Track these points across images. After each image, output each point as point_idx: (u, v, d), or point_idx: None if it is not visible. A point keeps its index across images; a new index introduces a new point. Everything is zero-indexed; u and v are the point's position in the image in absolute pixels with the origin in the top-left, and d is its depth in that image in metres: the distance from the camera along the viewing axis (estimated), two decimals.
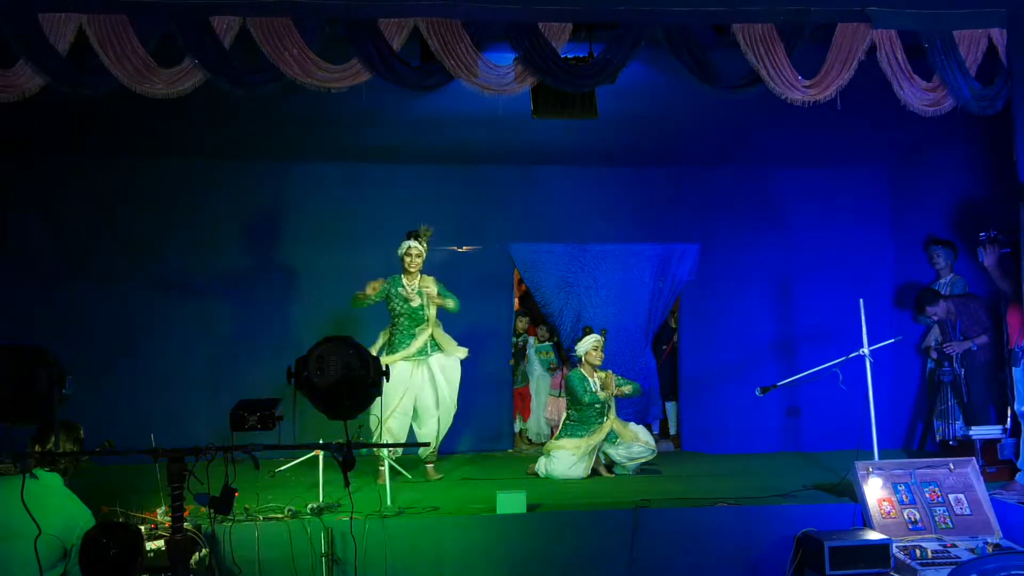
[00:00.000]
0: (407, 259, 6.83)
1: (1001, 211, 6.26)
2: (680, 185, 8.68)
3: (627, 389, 7.20)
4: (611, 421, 7.06)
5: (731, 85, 5.57)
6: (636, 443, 7.08)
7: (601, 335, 7.26)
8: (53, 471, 4.02)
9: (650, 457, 7.15)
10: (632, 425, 7.25)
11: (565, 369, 8.67)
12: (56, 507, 3.78)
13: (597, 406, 7.01)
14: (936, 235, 7.69)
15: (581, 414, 7.05)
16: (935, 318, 7.12)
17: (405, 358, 6.74)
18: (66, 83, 5.18)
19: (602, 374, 7.16)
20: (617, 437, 7.06)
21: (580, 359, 7.19)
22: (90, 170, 8.10)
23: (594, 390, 7.03)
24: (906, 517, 5.65)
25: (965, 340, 6.99)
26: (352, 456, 3.41)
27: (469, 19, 5.36)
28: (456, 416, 7.55)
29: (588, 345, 7.13)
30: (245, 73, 5.29)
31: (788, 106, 5.60)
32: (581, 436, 6.99)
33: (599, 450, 7.08)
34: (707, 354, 8.62)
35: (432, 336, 6.85)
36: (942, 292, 7.24)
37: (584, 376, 7.09)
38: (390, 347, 6.81)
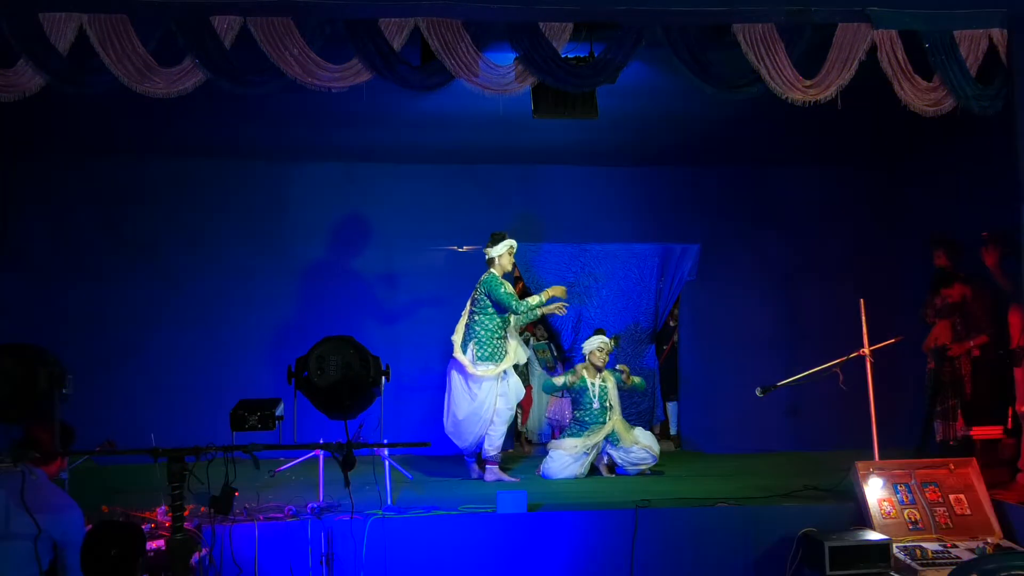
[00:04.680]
0: (511, 259, 6.85)
1: (1001, 211, 6.25)
2: (680, 185, 8.68)
3: (636, 380, 7.25)
4: (613, 422, 7.05)
5: (731, 85, 5.57)
6: (637, 446, 7.06)
7: (613, 341, 7.26)
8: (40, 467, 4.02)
9: (652, 463, 7.13)
10: (637, 430, 7.22)
11: (562, 368, 8.67)
12: (45, 501, 3.79)
13: (596, 406, 7.01)
14: (936, 235, 7.68)
15: (580, 415, 7.05)
16: (949, 300, 7.06)
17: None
18: (67, 83, 5.18)
19: (607, 375, 7.16)
20: (619, 440, 7.06)
21: (585, 356, 7.19)
22: (90, 170, 8.10)
23: (598, 396, 7.03)
24: (906, 517, 5.65)
25: (966, 342, 6.99)
26: (352, 456, 3.41)
27: (469, 19, 5.36)
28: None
29: (594, 345, 7.12)
30: (246, 73, 5.29)
31: (788, 106, 5.60)
32: (576, 437, 6.99)
33: (601, 451, 7.08)
34: (707, 354, 8.62)
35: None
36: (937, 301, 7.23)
37: (573, 372, 7.12)
38: (497, 354, 6.69)
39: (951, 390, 7.00)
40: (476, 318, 6.73)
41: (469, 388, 6.69)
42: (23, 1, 5.06)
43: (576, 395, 7.11)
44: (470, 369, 6.64)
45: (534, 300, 6.80)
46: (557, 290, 6.88)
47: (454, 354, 6.75)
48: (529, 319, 7.04)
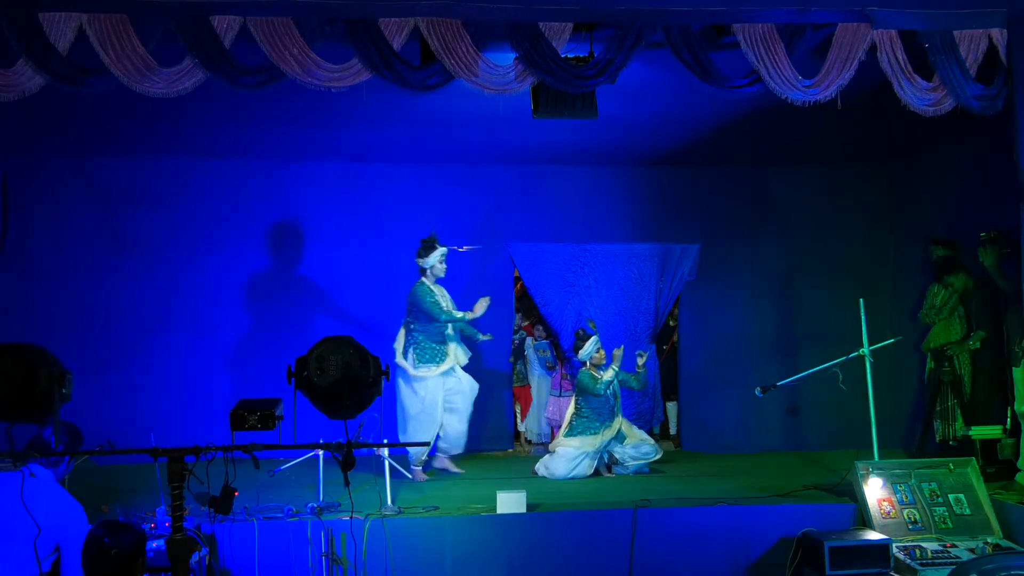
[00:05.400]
0: (444, 266, 6.88)
1: (1001, 211, 6.26)
2: (680, 185, 8.68)
3: (636, 378, 7.20)
4: (619, 420, 7.08)
5: (731, 85, 5.57)
6: (642, 442, 7.15)
7: (591, 327, 7.27)
8: (46, 467, 4.04)
9: (657, 456, 7.19)
10: (634, 427, 7.28)
11: (561, 367, 8.66)
12: (48, 502, 3.80)
13: (609, 402, 7.01)
14: (936, 235, 7.68)
15: (591, 413, 7.02)
16: (953, 288, 7.04)
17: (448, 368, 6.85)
18: (66, 83, 5.17)
19: (608, 371, 7.16)
20: (625, 437, 7.10)
21: (585, 363, 7.16)
22: (90, 170, 8.09)
23: (614, 374, 7.04)
24: (906, 517, 5.66)
25: (965, 339, 7.00)
26: (352, 456, 3.40)
27: (469, 19, 5.35)
28: None
29: (591, 349, 7.11)
30: (245, 72, 5.29)
31: (788, 106, 5.60)
32: (592, 434, 6.98)
33: (605, 449, 7.09)
34: (707, 354, 8.62)
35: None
36: (938, 301, 7.23)
37: (593, 376, 7.08)
38: (437, 357, 6.79)
39: (951, 390, 7.01)
40: (412, 326, 6.83)
41: (415, 390, 6.79)
42: (23, 1, 5.06)
43: (587, 389, 7.05)
44: (411, 372, 6.75)
45: (459, 315, 6.82)
46: (482, 306, 6.88)
47: (396, 360, 6.84)
48: (458, 327, 7.02)
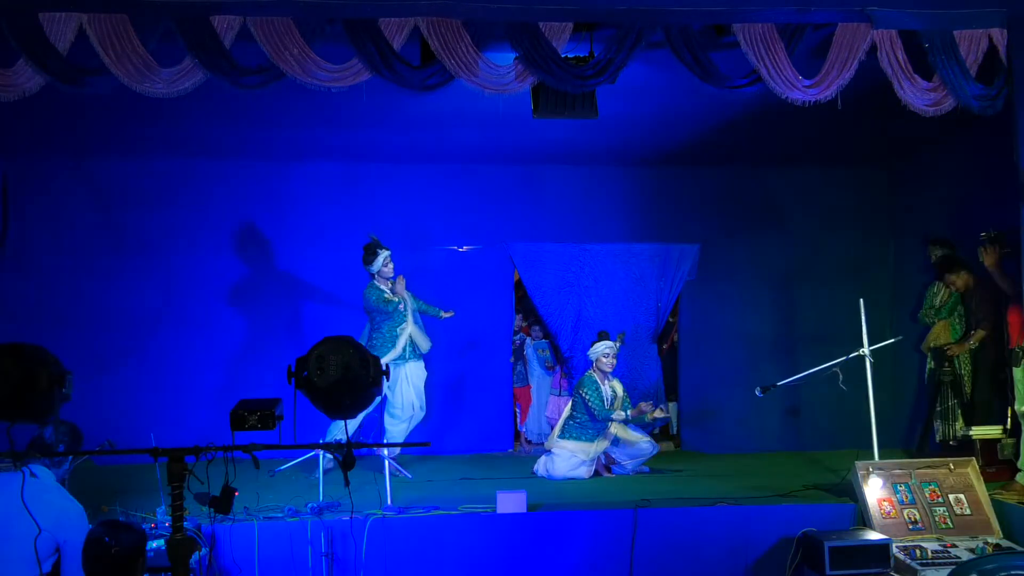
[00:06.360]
0: (391, 266, 7.12)
1: (1001, 211, 6.26)
2: (680, 185, 8.68)
3: (658, 414, 7.16)
4: (614, 428, 7.06)
5: (731, 85, 5.57)
6: (639, 441, 7.11)
7: (618, 340, 7.23)
8: (48, 467, 4.04)
9: (653, 454, 7.18)
10: (630, 430, 7.25)
11: (560, 368, 8.66)
12: (49, 502, 3.80)
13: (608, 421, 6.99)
14: (936, 235, 7.68)
15: (586, 419, 6.98)
16: (954, 287, 7.06)
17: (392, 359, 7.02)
18: (67, 83, 5.17)
19: (615, 383, 7.13)
20: (620, 441, 7.08)
21: (592, 363, 7.15)
22: (90, 170, 8.09)
23: (607, 404, 6.96)
24: (906, 517, 5.66)
25: (964, 342, 6.99)
26: (352, 456, 3.40)
27: (469, 19, 5.36)
28: (457, 416, 7.53)
29: (600, 351, 7.06)
30: (245, 72, 5.29)
31: (788, 106, 5.60)
32: (590, 440, 6.95)
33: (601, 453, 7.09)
34: (707, 354, 8.62)
35: (411, 336, 7.14)
36: (937, 300, 7.23)
37: (598, 384, 7.03)
38: (377, 350, 6.94)
39: (951, 390, 7.00)
40: (371, 324, 7.11)
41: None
42: (23, 1, 5.06)
43: (587, 400, 6.97)
44: None
45: (395, 302, 7.03)
46: (400, 286, 7.09)
47: None
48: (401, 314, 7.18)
